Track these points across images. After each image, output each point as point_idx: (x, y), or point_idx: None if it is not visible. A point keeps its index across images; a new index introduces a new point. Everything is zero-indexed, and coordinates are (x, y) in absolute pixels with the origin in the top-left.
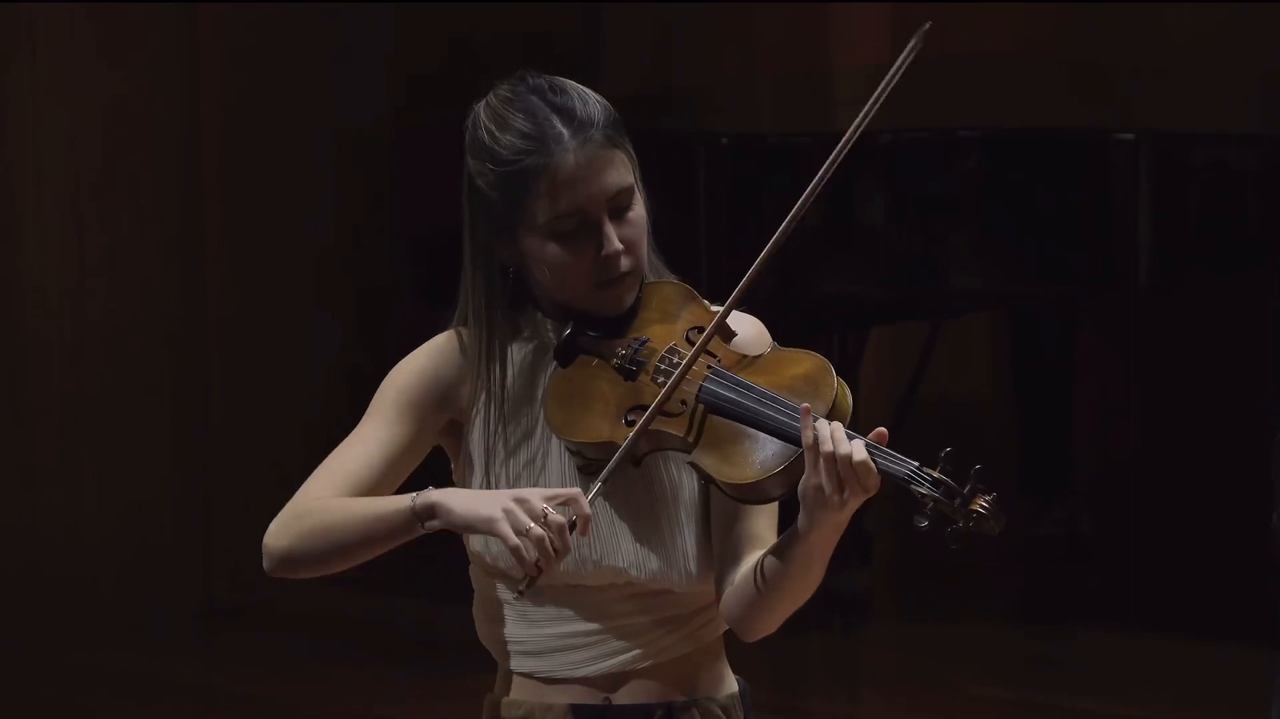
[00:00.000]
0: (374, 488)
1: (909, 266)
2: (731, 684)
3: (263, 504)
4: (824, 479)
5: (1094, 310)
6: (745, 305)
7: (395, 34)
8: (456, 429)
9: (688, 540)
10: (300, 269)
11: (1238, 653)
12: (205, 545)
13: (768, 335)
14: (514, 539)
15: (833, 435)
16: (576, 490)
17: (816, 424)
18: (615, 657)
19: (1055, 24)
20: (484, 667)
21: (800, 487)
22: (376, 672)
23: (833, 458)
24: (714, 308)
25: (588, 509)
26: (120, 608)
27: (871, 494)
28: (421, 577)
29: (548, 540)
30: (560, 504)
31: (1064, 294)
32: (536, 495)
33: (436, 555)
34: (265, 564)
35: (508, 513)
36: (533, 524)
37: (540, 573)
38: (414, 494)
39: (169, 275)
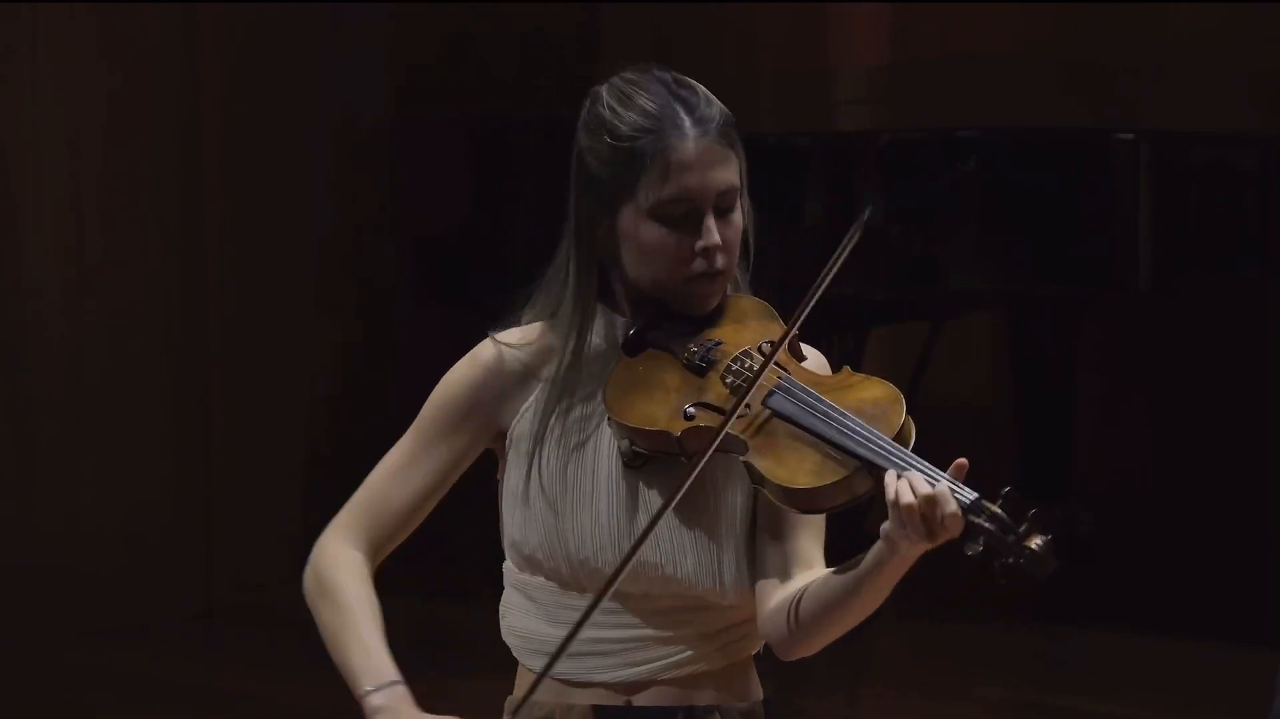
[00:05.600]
0: (416, 512)
1: (909, 266)
2: (756, 692)
3: (263, 504)
4: (912, 530)
5: (1094, 310)
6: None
7: (395, 34)
8: (504, 433)
9: (726, 552)
10: (300, 268)
11: (1238, 653)
12: (206, 545)
13: (829, 368)
14: None
15: (914, 487)
16: None
17: (899, 479)
18: (641, 665)
19: (1054, 24)
20: (484, 667)
21: (884, 529)
22: None
23: (916, 508)
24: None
25: None
26: (120, 608)
27: (956, 535)
28: (422, 577)
29: None
30: None
31: (1064, 294)
32: None
33: (435, 556)
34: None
35: None
36: None
37: None
38: (374, 685)
39: (169, 275)
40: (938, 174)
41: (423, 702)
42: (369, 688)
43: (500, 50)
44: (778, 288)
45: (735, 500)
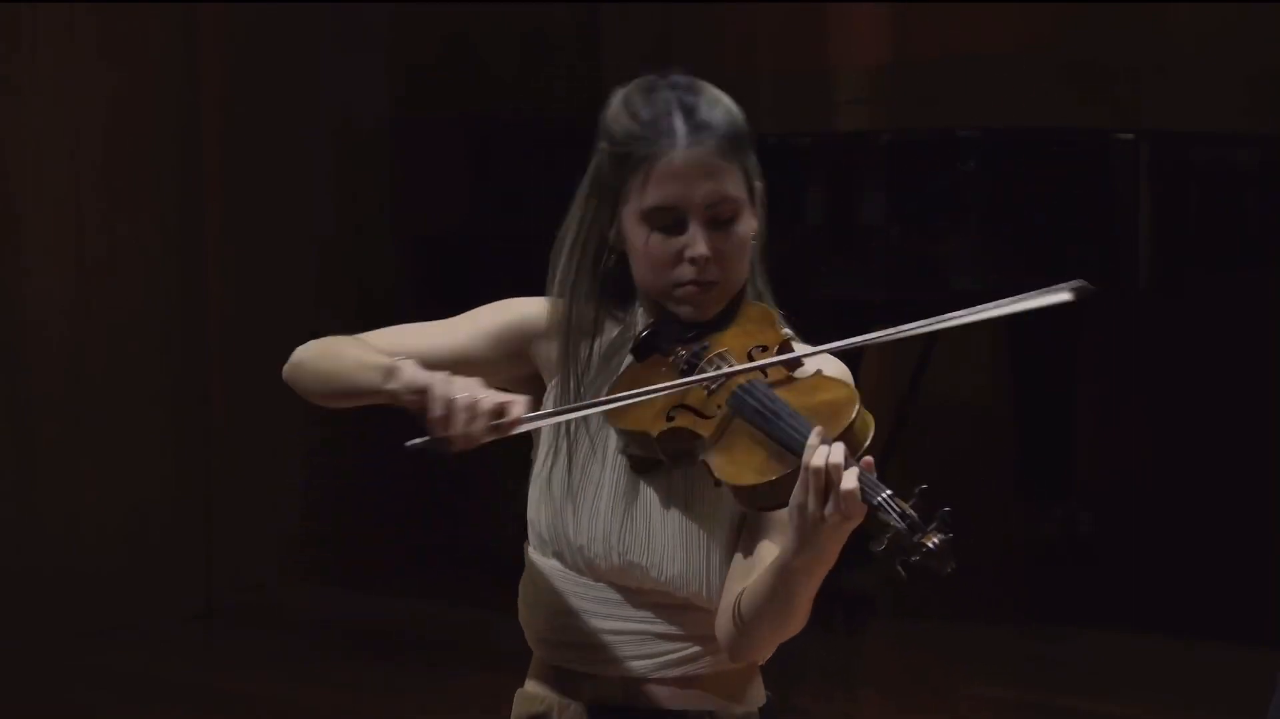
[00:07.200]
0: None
1: (909, 266)
2: (757, 699)
3: (263, 504)
4: (809, 494)
5: (1094, 310)
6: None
7: (395, 34)
8: (538, 385)
9: (715, 558)
10: (300, 268)
11: (1238, 653)
12: (205, 545)
13: (848, 379)
14: (438, 409)
15: (829, 453)
16: (521, 399)
17: (817, 448)
18: (642, 660)
19: (1054, 23)
20: (483, 667)
21: (789, 505)
22: (377, 672)
23: (822, 472)
24: (785, 331)
25: (516, 414)
26: (120, 608)
27: (851, 520)
28: (421, 577)
29: (461, 414)
30: (501, 402)
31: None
32: (480, 388)
33: (436, 556)
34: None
35: (447, 381)
36: (460, 394)
37: (445, 439)
38: (391, 360)
39: (169, 275)
40: (938, 174)
41: (423, 701)
42: (389, 362)
43: (500, 50)
44: (777, 287)
45: (731, 507)
